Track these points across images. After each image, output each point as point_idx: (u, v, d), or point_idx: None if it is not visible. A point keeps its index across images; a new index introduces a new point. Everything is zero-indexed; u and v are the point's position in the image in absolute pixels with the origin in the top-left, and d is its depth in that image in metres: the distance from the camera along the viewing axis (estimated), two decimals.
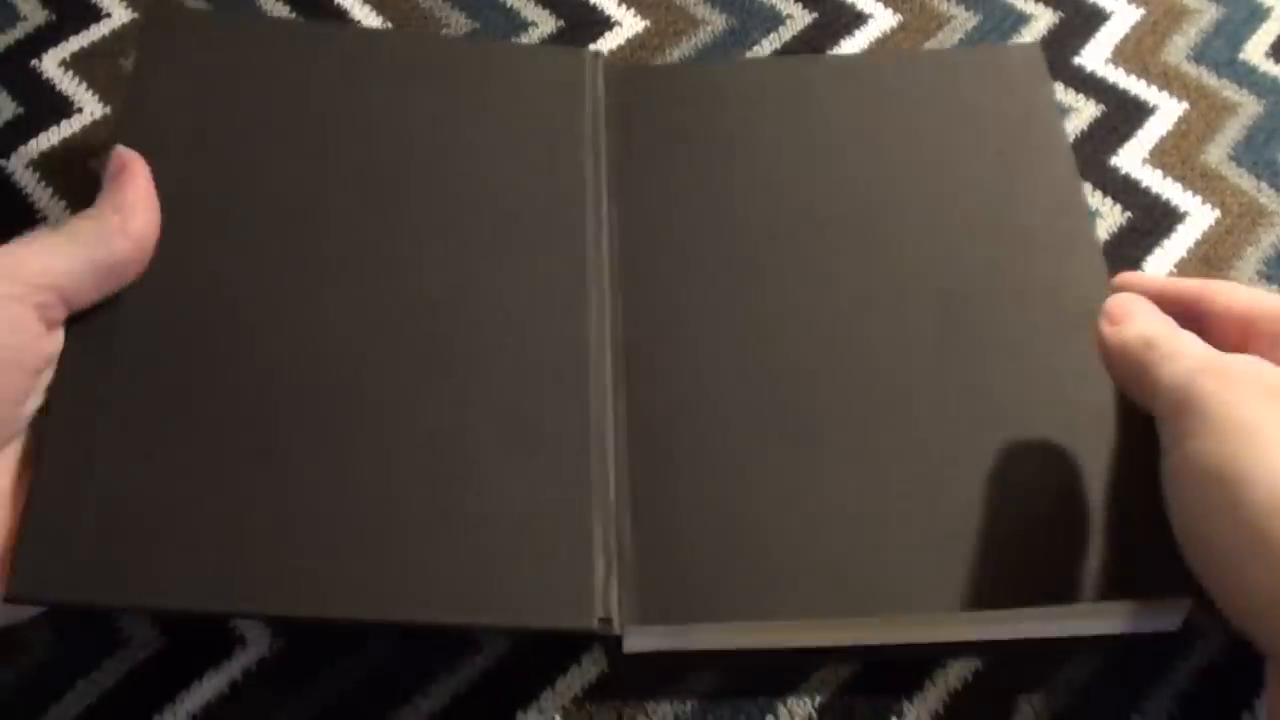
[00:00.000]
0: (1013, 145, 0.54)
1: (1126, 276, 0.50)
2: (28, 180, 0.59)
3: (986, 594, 0.43)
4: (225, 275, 0.49)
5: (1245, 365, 0.40)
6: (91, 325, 0.47)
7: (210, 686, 0.45)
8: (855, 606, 0.44)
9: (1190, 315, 0.46)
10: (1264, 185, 0.58)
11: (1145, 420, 0.42)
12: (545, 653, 0.46)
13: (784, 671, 0.46)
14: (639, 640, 0.45)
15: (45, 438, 0.44)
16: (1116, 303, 0.45)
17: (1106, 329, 0.45)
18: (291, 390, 0.46)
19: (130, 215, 0.47)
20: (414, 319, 0.48)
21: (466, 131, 0.53)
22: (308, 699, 0.45)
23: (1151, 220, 0.57)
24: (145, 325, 0.47)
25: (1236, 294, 0.46)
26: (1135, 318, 0.44)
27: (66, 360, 0.46)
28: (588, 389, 0.47)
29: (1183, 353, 0.42)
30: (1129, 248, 0.56)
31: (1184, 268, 0.55)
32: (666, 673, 0.46)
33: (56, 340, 0.45)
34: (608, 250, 0.51)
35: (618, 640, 0.45)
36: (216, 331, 0.47)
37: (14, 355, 0.43)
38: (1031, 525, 0.45)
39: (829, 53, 0.63)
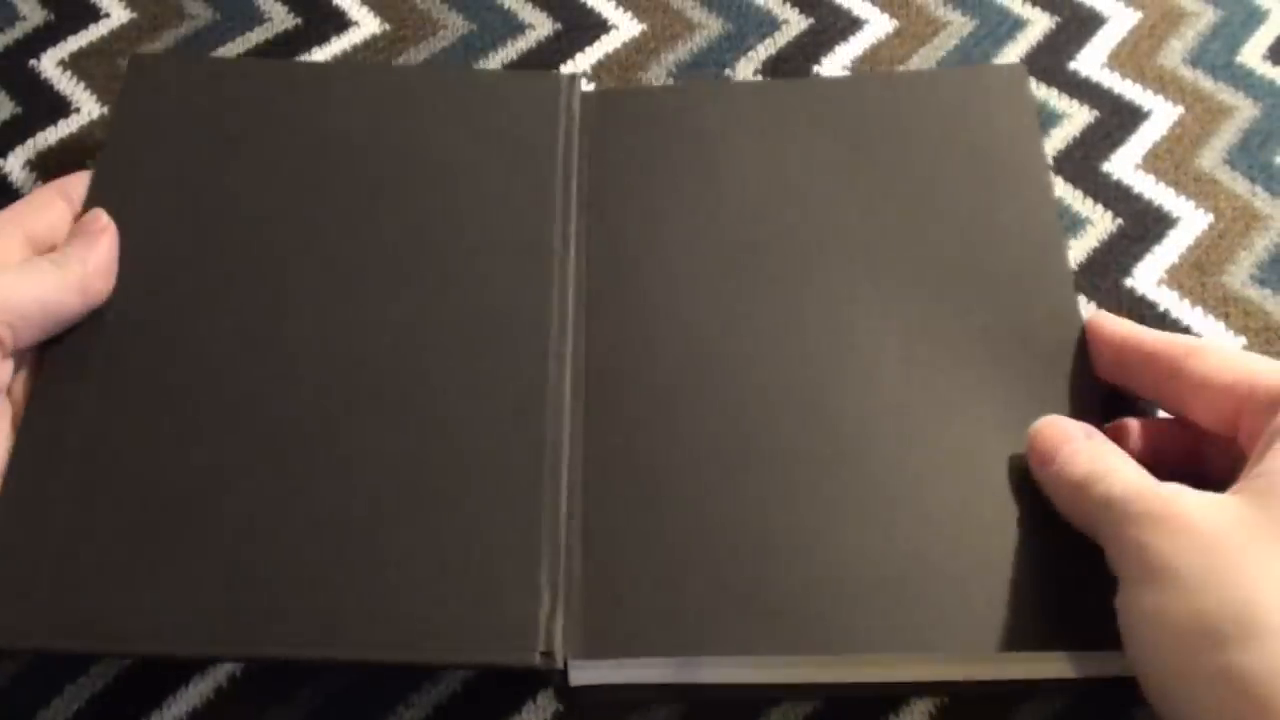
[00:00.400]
0: (990, 171, 0.54)
1: (1098, 320, 0.50)
2: (25, 179, 0.59)
3: (936, 634, 0.43)
4: (190, 313, 0.49)
5: (1170, 507, 0.40)
6: (58, 363, 0.48)
7: (196, 692, 0.46)
8: (804, 643, 0.43)
9: (1167, 381, 0.46)
10: (1258, 189, 0.58)
11: None
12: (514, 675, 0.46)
13: (744, 706, 0.46)
14: (584, 674, 0.44)
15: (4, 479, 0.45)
16: (1041, 440, 0.46)
17: (1037, 472, 0.46)
18: (248, 427, 0.46)
19: (94, 278, 0.48)
20: (374, 349, 0.48)
21: (438, 159, 0.54)
22: (291, 706, 0.46)
23: (1143, 226, 0.56)
24: (110, 363, 0.48)
25: (1226, 364, 0.45)
26: (1062, 456, 0.45)
27: (32, 401, 0.47)
28: (543, 418, 0.47)
29: (1113, 496, 0.42)
30: (1120, 255, 0.56)
31: (1175, 274, 0.55)
32: (626, 705, 0.46)
33: (6, 371, 0.46)
34: (574, 277, 0.51)
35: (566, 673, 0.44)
36: (177, 370, 0.48)
37: None
38: (986, 566, 0.44)
39: (824, 58, 0.63)
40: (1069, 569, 0.44)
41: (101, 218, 0.50)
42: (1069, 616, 0.43)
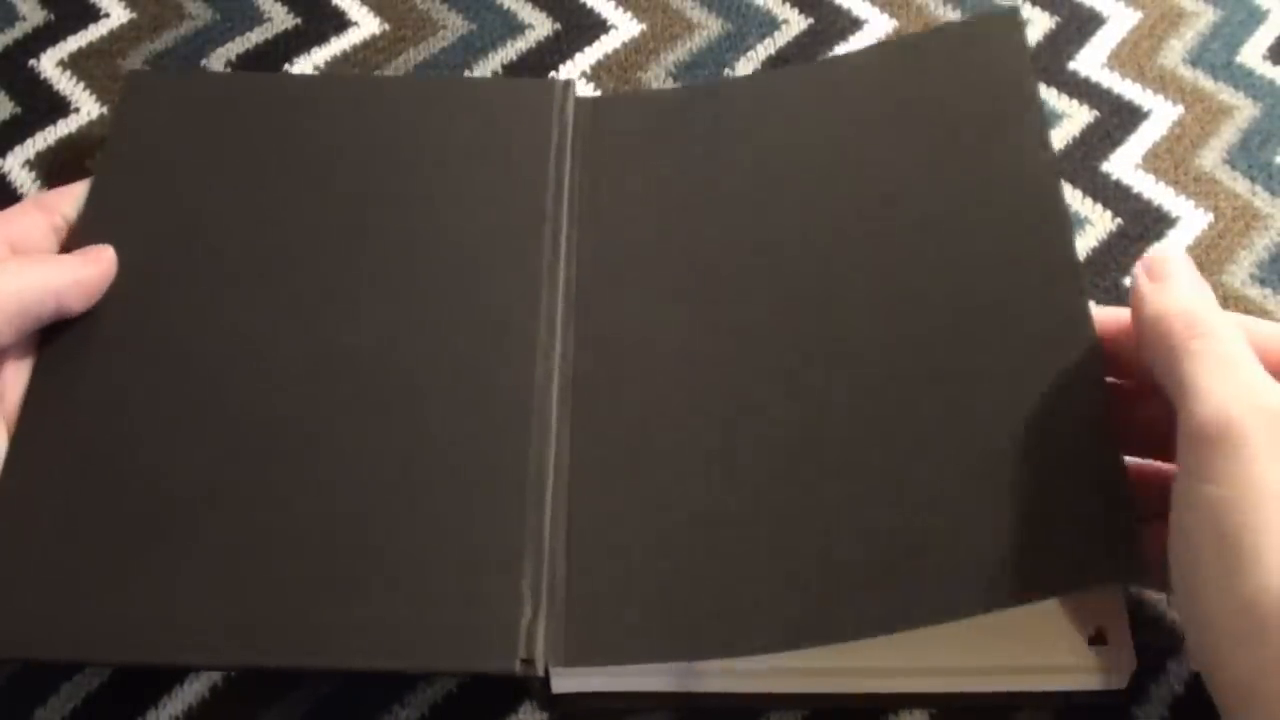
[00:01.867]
0: (985, 134, 0.51)
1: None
2: (25, 179, 0.59)
3: (928, 607, 0.41)
4: (181, 324, 0.49)
5: None
6: (51, 371, 0.47)
7: (192, 691, 0.46)
8: (790, 639, 0.42)
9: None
10: (1258, 188, 0.58)
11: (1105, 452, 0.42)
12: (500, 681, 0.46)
13: (734, 715, 0.46)
14: (566, 682, 0.44)
15: None
16: (1159, 259, 0.42)
17: (1145, 286, 0.42)
18: (236, 435, 0.46)
19: (75, 289, 0.48)
20: (363, 357, 0.48)
21: (431, 168, 0.53)
22: (286, 706, 0.46)
23: (1142, 226, 0.56)
24: (103, 372, 0.48)
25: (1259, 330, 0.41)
26: (1177, 283, 0.41)
27: (25, 409, 0.47)
28: (529, 423, 0.46)
29: (1228, 358, 0.38)
30: (1119, 254, 0.56)
31: None
32: (611, 715, 0.46)
33: None
34: (564, 283, 0.50)
35: (547, 686, 0.44)
36: (168, 379, 0.47)
37: None
38: (975, 531, 0.42)
39: (824, 58, 0.63)
40: (1062, 516, 0.42)
41: (106, 251, 0.49)
42: (1069, 557, 0.41)
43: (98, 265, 0.49)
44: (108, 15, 0.65)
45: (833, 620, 0.42)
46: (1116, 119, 0.60)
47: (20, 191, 0.59)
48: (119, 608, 0.42)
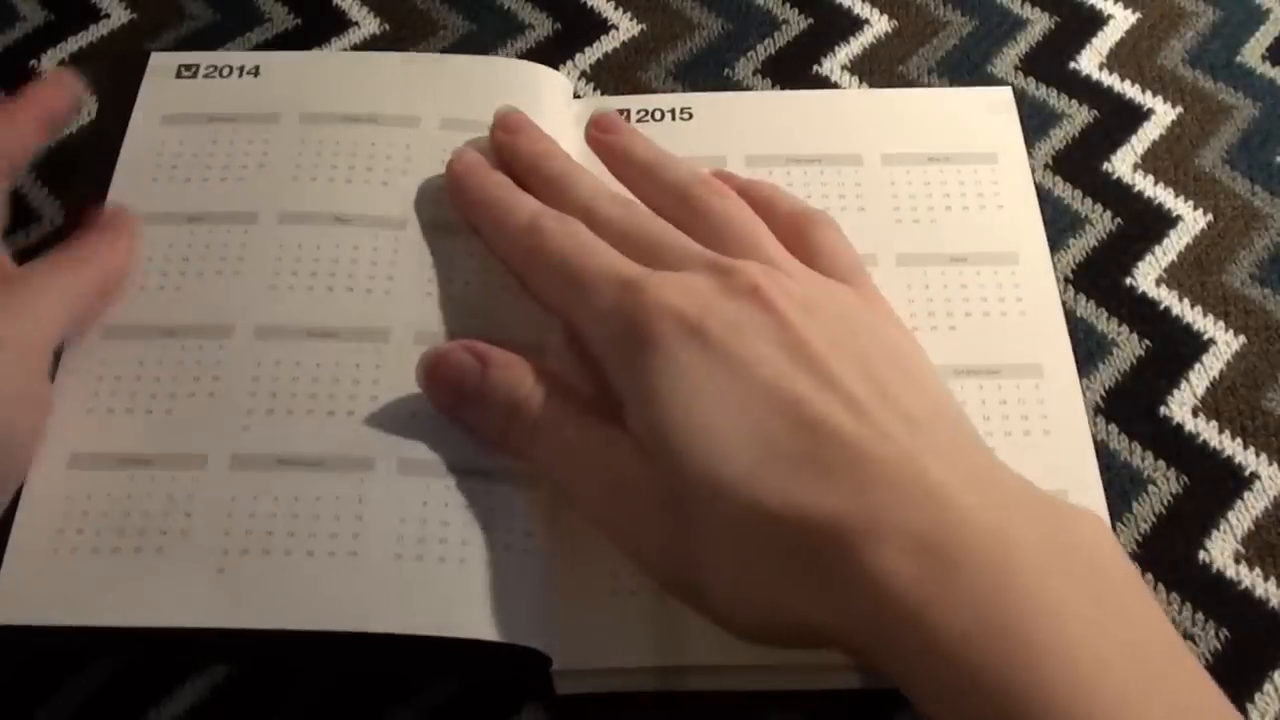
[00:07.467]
0: None
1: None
2: (25, 179, 0.59)
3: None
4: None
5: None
6: None
7: (193, 691, 0.45)
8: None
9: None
10: (1258, 188, 0.57)
11: None
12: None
13: (735, 714, 0.45)
14: (570, 682, 0.44)
15: None
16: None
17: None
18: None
19: (113, 279, 0.50)
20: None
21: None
22: (292, 703, 0.45)
23: (1143, 226, 0.56)
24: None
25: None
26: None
27: None
28: None
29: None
30: (1120, 254, 0.56)
31: (1175, 273, 0.55)
32: (616, 716, 0.45)
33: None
34: None
35: (551, 689, 0.44)
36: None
37: None
38: None
39: (824, 58, 0.63)
40: None
41: (125, 216, 0.51)
42: None
43: (118, 255, 0.50)
44: (108, 15, 0.65)
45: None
46: (1116, 119, 0.60)
47: (20, 191, 0.58)
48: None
